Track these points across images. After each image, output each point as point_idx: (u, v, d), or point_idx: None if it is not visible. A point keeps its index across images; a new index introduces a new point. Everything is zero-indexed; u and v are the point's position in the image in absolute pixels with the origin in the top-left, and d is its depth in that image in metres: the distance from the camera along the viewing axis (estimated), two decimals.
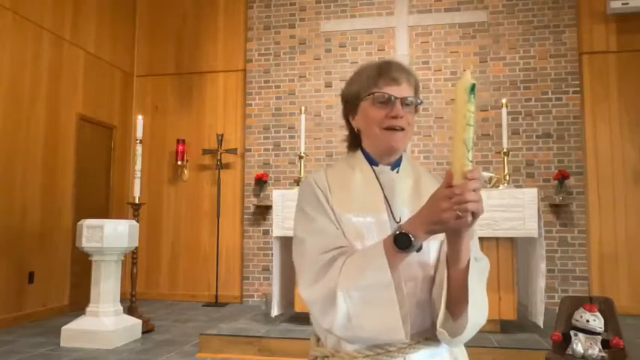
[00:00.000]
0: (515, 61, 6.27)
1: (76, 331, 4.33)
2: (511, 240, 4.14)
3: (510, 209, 4.06)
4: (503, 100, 4.77)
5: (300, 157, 4.93)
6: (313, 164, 6.52)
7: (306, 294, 1.11)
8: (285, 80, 6.77)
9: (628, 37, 6.10)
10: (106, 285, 4.47)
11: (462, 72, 1.06)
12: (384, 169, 1.25)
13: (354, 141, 1.32)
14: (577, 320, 2.82)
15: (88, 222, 4.48)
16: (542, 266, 4.10)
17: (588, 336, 2.78)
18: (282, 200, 4.42)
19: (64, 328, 4.38)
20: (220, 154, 6.73)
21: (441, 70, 6.40)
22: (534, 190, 4.12)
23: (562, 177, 5.87)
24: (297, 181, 4.80)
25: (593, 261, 5.94)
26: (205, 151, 6.83)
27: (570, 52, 6.17)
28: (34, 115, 5.52)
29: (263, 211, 6.64)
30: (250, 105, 6.84)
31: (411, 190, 1.24)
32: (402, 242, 1.01)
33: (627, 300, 5.76)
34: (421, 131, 6.37)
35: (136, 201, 5.07)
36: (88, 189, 6.30)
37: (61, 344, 4.32)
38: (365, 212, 1.17)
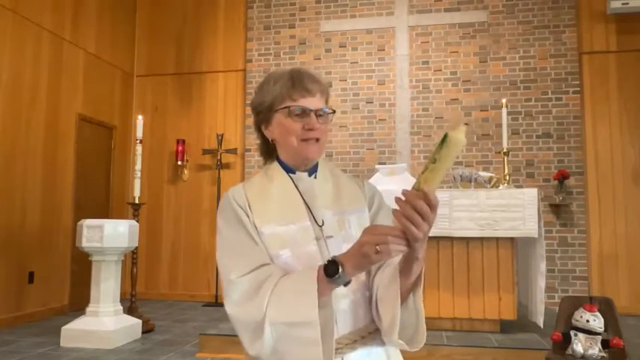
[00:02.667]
0: (515, 61, 6.27)
1: (76, 331, 4.33)
2: (511, 240, 4.14)
3: (510, 209, 4.06)
4: (504, 100, 4.77)
5: None
6: None
7: (232, 311, 1.11)
8: None
9: (628, 37, 6.10)
10: (106, 285, 4.47)
11: (458, 126, 1.05)
12: (301, 176, 1.26)
13: (268, 150, 1.32)
14: (577, 320, 2.82)
15: (88, 222, 4.48)
16: (542, 266, 4.10)
17: (588, 336, 2.78)
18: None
19: (64, 328, 4.38)
20: (220, 154, 6.73)
21: (441, 70, 6.40)
22: (534, 190, 4.12)
23: (562, 177, 5.87)
24: None
25: (593, 261, 5.94)
26: (205, 151, 6.83)
27: (570, 52, 6.17)
28: (34, 115, 5.52)
29: None
30: (250, 105, 6.83)
31: (331, 193, 1.26)
32: (329, 270, 1.02)
33: (627, 300, 5.77)
34: (421, 131, 6.37)
35: (136, 201, 5.07)
36: (88, 189, 6.30)
37: (61, 344, 4.32)
38: (287, 220, 1.18)
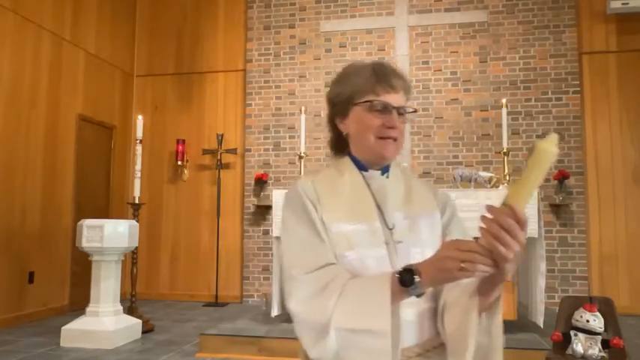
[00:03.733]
0: (516, 61, 6.27)
1: (76, 331, 4.33)
2: None
3: None
4: (504, 100, 4.77)
5: (300, 157, 4.93)
6: (313, 164, 6.52)
7: (296, 310, 1.06)
8: (285, 80, 6.77)
9: (628, 37, 6.09)
10: (106, 285, 4.47)
11: (547, 136, 0.90)
12: (374, 175, 1.21)
13: (340, 145, 1.27)
14: (577, 320, 2.82)
15: (88, 222, 4.48)
16: (542, 266, 4.10)
17: (588, 336, 2.78)
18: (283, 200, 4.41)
19: (64, 328, 4.38)
20: (220, 154, 6.73)
21: (441, 70, 6.40)
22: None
23: (562, 177, 5.87)
24: None
25: (593, 261, 5.94)
26: (205, 151, 6.83)
27: (570, 52, 6.17)
28: (34, 115, 5.52)
29: (263, 211, 6.64)
30: (250, 105, 6.84)
31: (402, 195, 1.21)
32: (405, 279, 0.96)
33: (627, 300, 5.76)
34: (421, 131, 6.37)
35: (136, 201, 5.07)
36: (88, 189, 6.30)
37: (61, 344, 4.32)
38: (356, 220, 1.12)
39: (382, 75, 1.17)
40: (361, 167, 1.21)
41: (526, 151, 6.14)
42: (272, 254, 4.68)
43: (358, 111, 1.18)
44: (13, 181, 5.22)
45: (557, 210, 6.00)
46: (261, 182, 6.63)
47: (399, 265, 1.05)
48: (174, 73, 7.17)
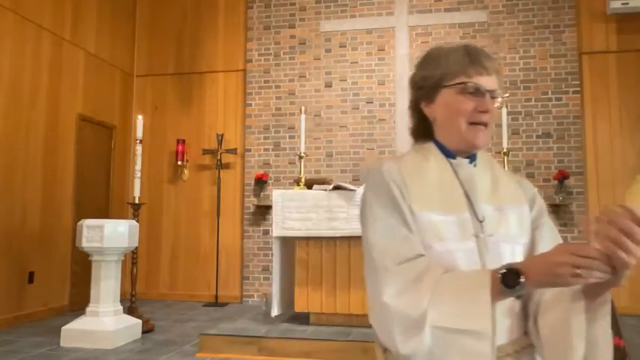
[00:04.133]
0: (515, 61, 6.27)
1: (76, 331, 4.33)
2: None
3: None
4: (504, 100, 4.77)
5: (300, 157, 4.93)
6: (313, 164, 6.52)
7: (389, 302, 0.97)
8: (285, 80, 6.77)
9: (628, 37, 6.09)
10: (106, 285, 4.47)
11: None
12: (462, 163, 1.12)
13: (424, 131, 1.17)
14: None
15: (88, 222, 4.48)
16: None
17: None
18: (282, 200, 4.42)
19: (64, 328, 4.38)
20: (220, 154, 6.73)
21: None
22: None
23: (562, 177, 5.87)
24: (297, 181, 4.80)
25: None
26: (205, 151, 6.83)
27: (570, 52, 6.17)
28: (34, 115, 5.52)
29: (263, 211, 6.64)
30: (250, 105, 6.84)
31: (489, 185, 1.12)
32: (509, 280, 0.90)
33: (627, 300, 5.76)
34: None
35: (136, 201, 5.07)
36: (88, 189, 6.30)
37: (61, 344, 4.32)
38: (446, 210, 1.04)
39: (475, 56, 1.10)
40: (447, 154, 1.13)
41: (526, 150, 6.14)
42: (272, 254, 4.68)
43: (448, 94, 1.10)
44: (13, 181, 5.22)
45: (557, 210, 5.99)
46: (261, 182, 6.63)
47: (489, 260, 1.01)
48: (174, 73, 7.17)
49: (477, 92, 1.08)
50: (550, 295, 1.01)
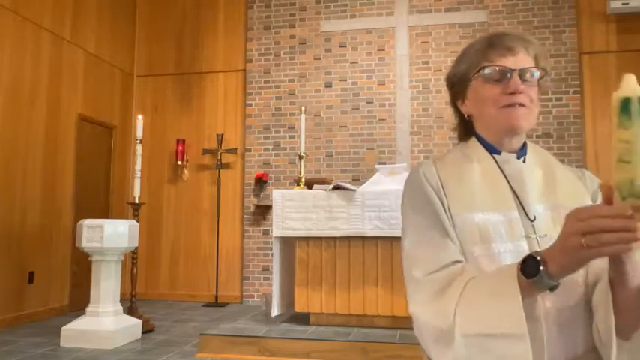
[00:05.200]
0: None
1: (76, 331, 4.33)
2: None
3: None
4: None
5: (300, 157, 4.93)
6: (313, 164, 6.53)
7: (416, 313, 0.93)
8: (285, 80, 6.77)
9: (628, 37, 6.09)
10: (106, 285, 4.47)
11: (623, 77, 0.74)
12: (507, 158, 1.03)
13: (466, 129, 1.11)
14: None
15: (88, 222, 4.48)
16: None
17: None
18: (282, 200, 4.42)
19: (64, 328, 4.38)
20: (220, 154, 6.73)
21: (441, 70, 6.40)
22: None
23: None
24: (298, 181, 4.80)
25: None
26: (205, 151, 6.83)
27: (570, 52, 6.17)
28: (34, 115, 5.52)
29: (263, 211, 6.64)
30: (250, 105, 6.84)
31: (542, 182, 1.03)
32: (528, 267, 0.81)
33: None
34: (421, 131, 6.37)
35: (136, 201, 5.07)
36: (88, 189, 6.30)
37: (61, 344, 4.32)
38: (491, 209, 0.96)
39: (496, 39, 1.02)
40: (491, 150, 1.05)
41: None
42: (272, 254, 4.68)
43: (475, 86, 1.04)
44: (13, 181, 5.22)
45: None
46: (261, 182, 6.63)
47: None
48: (174, 73, 7.17)
49: (502, 75, 0.99)
50: (597, 291, 0.90)
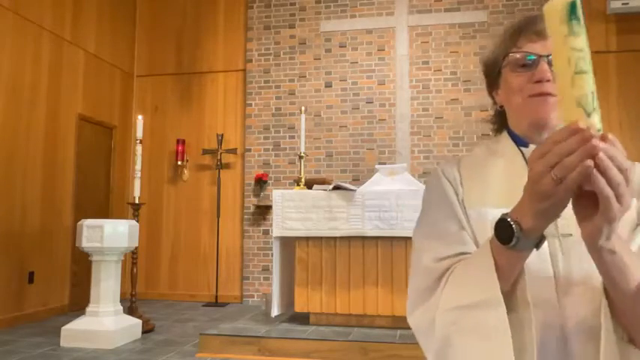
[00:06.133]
0: None
1: (76, 331, 4.33)
2: None
3: None
4: None
5: (300, 157, 4.93)
6: (313, 164, 6.53)
7: (410, 320, 0.89)
8: (285, 80, 6.77)
9: (628, 37, 6.09)
10: (106, 285, 4.47)
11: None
12: None
13: (500, 121, 1.04)
14: None
15: (88, 222, 4.48)
16: None
17: None
18: (282, 200, 4.42)
19: (64, 328, 4.38)
20: (220, 154, 6.73)
21: (441, 70, 6.40)
22: None
23: None
24: (297, 181, 4.80)
25: None
26: (205, 151, 6.83)
27: None
28: (34, 115, 5.52)
29: (263, 211, 6.64)
30: (250, 105, 6.84)
31: None
32: (501, 231, 0.74)
33: None
34: (421, 131, 6.37)
35: (136, 201, 5.07)
36: (88, 189, 6.31)
37: (61, 344, 4.32)
38: (506, 204, 0.84)
39: (526, 23, 0.95)
40: (521, 143, 0.97)
41: None
42: (272, 254, 4.68)
43: (504, 74, 0.97)
44: (13, 181, 5.22)
45: None
46: (261, 182, 6.63)
47: (563, 264, 0.84)
48: (174, 73, 7.17)
49: (531, 62, 0.91)
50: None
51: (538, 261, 0.83)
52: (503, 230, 0.74)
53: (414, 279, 0.91)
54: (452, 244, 0.89)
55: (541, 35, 0.91)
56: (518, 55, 0.92)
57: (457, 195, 0.94)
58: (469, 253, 0.87)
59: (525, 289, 0.77)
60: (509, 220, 0.73)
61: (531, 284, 0.79)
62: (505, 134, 1.01)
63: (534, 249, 0.75)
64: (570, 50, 0.65)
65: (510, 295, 0.78)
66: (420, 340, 0.88)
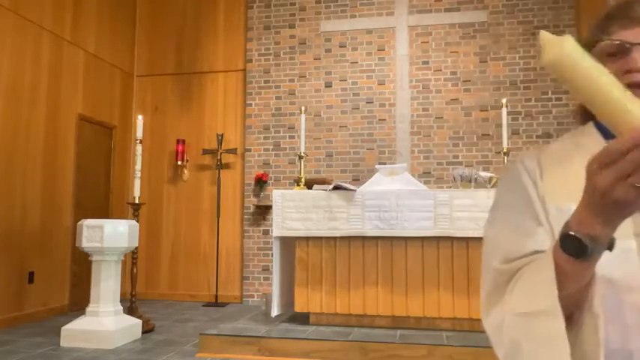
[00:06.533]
0: (516, 61, 6.27)
1: (76, 331, 4.33)
2: None
3: None
4: (504, 100, 4.77)
5: (300, 157, 4.93)
6: (313, 164, 6.53)
7: (485, 323, 0.84)
8: (285, 80, 6.77)
9: None
10: (106, 285, 4.47)
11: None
12: None
13: (585, 112, 0.97)
14: None
15: (88, 222, 4.48)
16: None
17: None
18: (282, 200, 4.42)
19: (64, 328, 4.38)
20: (220, 154, 6.73)
21: (440, 70, 6.40)
22: None
23: None
24: (297, 181, 4.80)
25: None
26: (205, 151, 6.83)
27: None
28: (34, 115, 5.52)
29: (263, 211, 6.64)
30: (250, 105, 6.84)
31: None
32: (569, 247, 0.70)
33: None
34: (421, 131, 6.37)
35: (136, 201, 5.07)
36: (88, 189, 6.30)
37: (61, 344, 4.32)
38: None
39: (618, 8, 0.88)
40: (608, 135, 0.89)
41: (526, 150, 6.13)
42: (272, 254, 4.68)
43: None
44: (13, 181, 5.22)
45: None
46: (261, 182, 6.63)
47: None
48: (174, 73, 7.17)
49: (620, 50, 0.84)
50: None
51: (626, 259, 0.78)
52: (571, 245, 0.69)
53: (486, 281, 0.85)
54: (525, 242, 0.83)
55: (635, 21, 0.84)
56: (607, 43, 0.86)
57: (537, 188, 0.87)
58: (544, 252, 0.80)
59: (594, 296, 0.73)
60: (577, 235, 0.69)
61: (615, 290, 0.76)
62: (591, 125, 0.93)
63: (608, 250, 0.71)
64: (611, 73, 0.65)
65: (582, 300, 0.74)
66: (492, 341, 0.83)
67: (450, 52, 6.41)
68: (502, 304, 0.80)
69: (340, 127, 6.56)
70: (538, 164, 0.89)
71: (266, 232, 6.59)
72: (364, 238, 4.31)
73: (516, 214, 0.86)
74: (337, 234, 4.30)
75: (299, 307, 4.38)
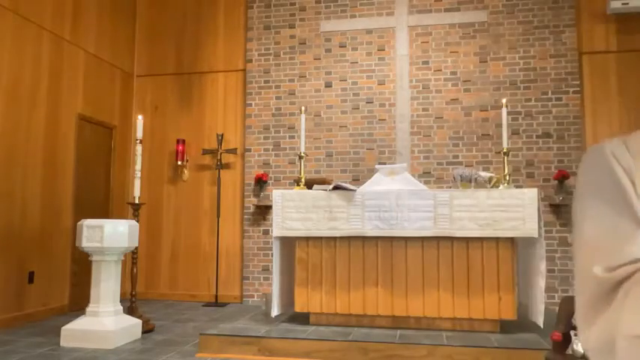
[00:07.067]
0: (515, 61, 6.27)
1: (76, 331, 4.33)
2: (511, 240, 4.14)
3: (510, 209, 4.06)
4: (504, 100, 4.77)
5: (300, 157, 4.93)
6: (313, 164, 6.53)
7: (583, 341, 0.75)
8: (285, 80, 6.77)
9: (628, 37, 6.09)
10: (106, 285, 4.47)
11: None
12: None
13: None
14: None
15: (88, 222, 4.48)
16: (543, 266, 4.10)
17: None
18: (282, 200, 4.42)
19: (64, 328, 4.38)
20: (220, 154, 6.73)
21: (441, 70, 6.40)
22: (534, 190, 4.12)
23: (562, 177, 5.87)
24: (297, 181, 4.80)
25: None
26: (205, 151, 6.83)
27: (570, 52, 6.17)
28: (34, 115, 5.52)
29: (263, 211, 6.64)
30: (250, 105, 6.84)
31: None
32: None
33: None
34: (421, 131, 6.37)
35: (136, 201, 5.07)
36: (88, 189, 6.30)
37: (61, 344, 4.32)
38: None
39: None
40: None
41: (526, 150, 6.13)
42: (272, 254, 4.69)
43: None
44: (13, 180, 5.22)
45: (557, 210, 6.00)
46: (261, 182, 6.63)
47: None
48: (174, 73, 7.17)
49: None
50: None
51: None
52: None
53: (582, 292, 0.76)
54: (627, 248, 0.73)
55: None
56: None
57: (634, 185, 0.75)
58: None
59: None
60: None
61: None
62: None
63: None
64: None
65: None
66: (593, 356, 0.73)
67: (450, 52, 6.41)
68: (608, 319, 0.70)
69: (340, 127, 6.56)
70: (630, 155, 0.77)
71: (266, 232, 6.59)
72: (364, 238, 4.31)
73: (612, 216, 0.75)
74: (337, 234, 4.30)
75: (299, 307, 4.38)
